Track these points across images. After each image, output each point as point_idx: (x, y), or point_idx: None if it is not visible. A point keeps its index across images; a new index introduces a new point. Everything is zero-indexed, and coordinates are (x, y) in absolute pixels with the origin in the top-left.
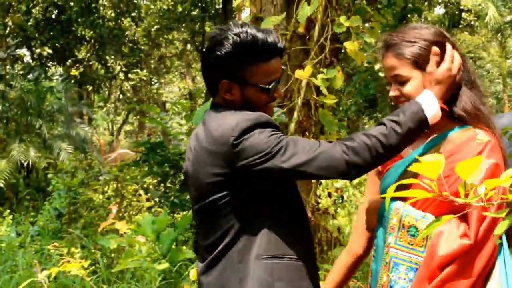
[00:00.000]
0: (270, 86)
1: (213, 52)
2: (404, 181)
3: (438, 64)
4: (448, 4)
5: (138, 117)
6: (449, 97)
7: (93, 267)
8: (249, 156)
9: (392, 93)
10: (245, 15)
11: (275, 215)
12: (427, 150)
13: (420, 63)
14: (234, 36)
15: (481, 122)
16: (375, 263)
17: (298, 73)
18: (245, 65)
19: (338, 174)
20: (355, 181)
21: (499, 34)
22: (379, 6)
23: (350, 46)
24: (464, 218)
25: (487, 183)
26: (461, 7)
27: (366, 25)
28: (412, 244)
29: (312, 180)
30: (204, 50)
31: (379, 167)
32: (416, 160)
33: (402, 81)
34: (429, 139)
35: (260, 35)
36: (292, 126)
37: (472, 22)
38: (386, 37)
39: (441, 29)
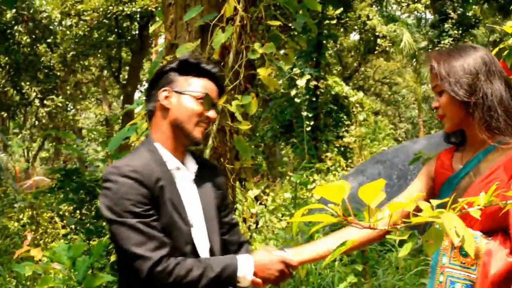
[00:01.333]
0: (200, 94)
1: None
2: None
3: None
4: (363, 30)
5: (54, 143)
6: (485, 116)
7: None
8: None
9: (433, 104)
10: (162, 41)
11: None
12: (474, 166)
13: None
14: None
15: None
16: (431, 282)
17: None
18: (179, 75)
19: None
20: (272, 206)
21: (414, 60)
22: (293, 33)
23: (263, 72)
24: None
25: (389, 207)
26: (377, 33)
27: (281, 51)
28: (464, 263)
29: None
30: None
31: (433, 174)
32: (463, 175)
33: (440, 92)
34: (473, 156)
35: (201, 59)
36: (207, 152)
37: (388, 48)
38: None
39: (481, 53)
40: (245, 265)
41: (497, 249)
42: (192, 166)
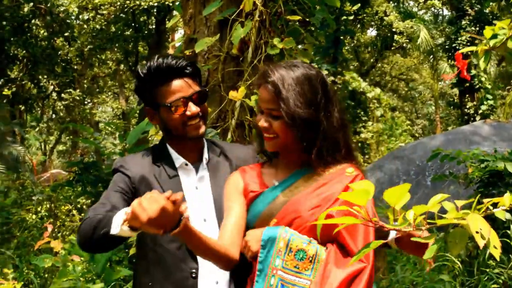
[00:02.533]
0: (170, 104)
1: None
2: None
3: None
4: (381, 26)
5: (71, 137)
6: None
7: None
8: None
9: (262, 123)
10: (178, 35)
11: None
12: (294, 181)
13: None
14: (143, 72)
15: (347, 159)
16: (260, 284)
17: (232, 94)
18: (151, 91)
19: None
20: None
21: (431, 56)
22: (312, 28)
23: None
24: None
25: (415, 209)
26: (394, 30)
27: (299, 46)
28: (298, 268)
29: None
30: None
31: (242, 191)
32: (282, 190)
33: (274, 116)
34: (293, 172)
35: (155, 62)
36: None
37: (405, 45)
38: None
39: (317, 76)
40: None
41: (336, 256)
42: (203, 161)
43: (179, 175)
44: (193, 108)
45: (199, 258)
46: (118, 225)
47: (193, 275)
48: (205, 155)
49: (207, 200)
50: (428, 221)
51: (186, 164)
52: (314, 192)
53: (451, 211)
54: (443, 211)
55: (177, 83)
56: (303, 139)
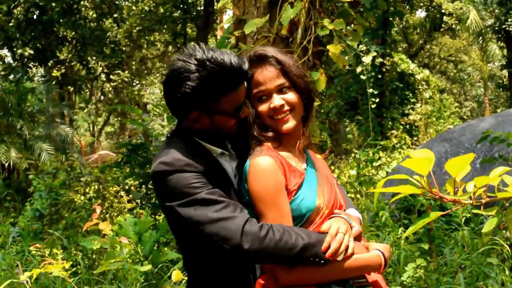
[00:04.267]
0: (239, 113)
1: (180, 87)
2: (395, 176)
3: None
4: (430, 7)
5: (119, 118)
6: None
7: (74, 268)
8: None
9: (276, 103)
10: (227, 17)
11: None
12: (312, 164)
13: None
14: (200, 69)
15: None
16: None
17: None
18: (214, 97)
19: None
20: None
21: (480, 37)
22: (361, 9)
23: (333, 49)
24: None
25: (476, 181)
26: (443, 11)
27: (348, 28)
28: None
29: None
30: (167, 81)
31: (285, 183)
32: (314, 175)
33: (286, 89)
34: (306, 156)
35: (226, 64)
36: None
37: (454, 26)
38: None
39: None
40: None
41: None
42: (232, 152)
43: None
44: (246, 111)
45: None
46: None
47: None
48: (229, 145)
49: None
50: (488, 194)
51: (223, 153)
52: (328, 176)
53: None
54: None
55: (243, 89)
56: (308, 107)
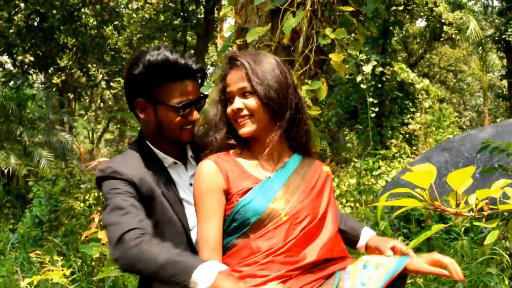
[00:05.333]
0: (179, 106)
1: (129, 71)
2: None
3: None
4: (430, 17)
5: (118, 125)
6: (297, 126)
7: (74, 275)
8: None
9: (235, 105)
10: (227, 25)
11: None
12: (291, 172)
13: None
14: (150, 58)
15: (313, 155)
16: None
17: None
18: (155, 84)
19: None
20: (337, 192)
21: (480, 47)
22: (361, 18)
23: (335, 58)
24: None
25: (478, 194)
26: (443, 21)
27: (349, 36)
28: None
29: None
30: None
31: (225, 187)
32: (283, 182)
33: (245, 93)
34: (282, 164)
35: (173, 56)
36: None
37: (454, 36)
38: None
39: (282, 64)
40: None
41: None
42: (190, 159)
43: (170, 175)
44: (196, 115)
45: None
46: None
47: None
48: (190, 153)
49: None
50: (490, 206)
51: (175, 163)
52: (315, 187)
53: None
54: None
55: (189, 85)
56: (278, 115)
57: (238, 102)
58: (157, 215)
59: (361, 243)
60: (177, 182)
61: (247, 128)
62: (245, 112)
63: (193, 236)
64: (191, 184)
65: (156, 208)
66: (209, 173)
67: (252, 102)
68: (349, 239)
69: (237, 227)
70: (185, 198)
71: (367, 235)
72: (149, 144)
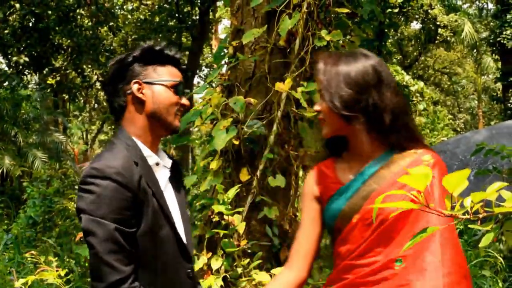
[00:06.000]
0: (172, 85)
1: (122, 59)
2: (392, 192)
3: None
4: (425, 19)
5: (113, 126)
6: (381, 126)
7: (68, 276)
8: None
9: (315, 107)
10: (222, 26)
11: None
12: (372, 173)
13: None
14: (138, 47)
15: (419, 145)
16: None
17: (278, 86)
18: (148, 66)
19: None
20: None
21: (475, 50)
22: (357, 20)
23: None
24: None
25: (473, 196)
26: (438, 23)
27: (345, 38)
28: None
29: (291, 193)
30: None
31: (318, 193)
32: (360, 184)
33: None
34: (367, 164)
35: (157, 44)
36: (272, 138)
37: (448, 38)
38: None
39: (371, 63)
40: None
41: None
42: (167, 161)
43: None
44: (187, 100)
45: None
46: None
47: (190, 275)
48: (166, 155)
49: (173, 203)
50: (486, 209)
51: (157, 164)
52: (395, 185)
53: (509, 199)
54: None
55: (176, 71)
56: (349, 120)
57: (316, 104)
58: (149, 220)
59: None
60: (160, 181)
61: (323, 130)
62: (321, 115)
63: (182, 235)
64: (165, 188)
65: (147, 212)
66: (307, 182)
67: (323, 106)
68: None
69: (328, 232)
70: (168, 198)
71: None
72: (136, 140)
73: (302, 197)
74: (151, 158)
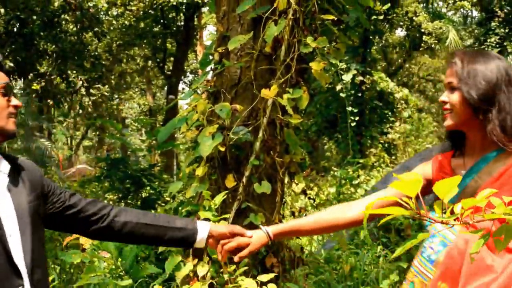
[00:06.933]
0: (7, 93)
1: None
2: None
3: None
4: (410, 27)
5: (97, 132)
6: (499, 124)
7: (54, 283)
8: None
9: (441, 98)
10: (207, 32)
11: None
12: (479, 169)
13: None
14: None
15: None
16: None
17: (264, 92)
18: None
19: None
20: (317, 201)
21: None
22: (342, 27)
23: (315, 66)
24: None
25: (463, 203)
26: (422, 30)
27: (330, 45)
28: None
29: (276, 199)
30: None
31: (430, 177)
32: (471, 179)
33: (453, 88)
34: (477, 161)
35: None
36: (257, 145)
37: (433, 45)
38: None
39: (503, 64)
40: (202, 229)
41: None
42: (5, 167)
43: None
44: (16, 101)
45: (23, 272)
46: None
47: None
48: (4, 161)
49: (11, 211)
50: (476, 215)
51: None
52: (497, 181)
53: (499, 206)
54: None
55: (0, 73)
56: (478, 112)
57: (444, 95)
58: None
59: (201, 235)
60: None
61: (447, 121)
62: (448, 106)
63: (11, 245)
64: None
65: None
66: (422, 165)
67: (454, 97)
68: (185, 236)
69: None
70: (4, 207)
71: (205, 226)
72: None
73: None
74: None
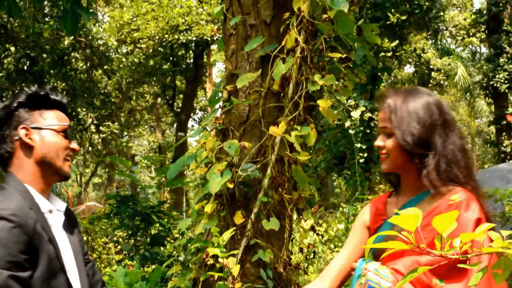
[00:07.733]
0: (60, 129)
1: (7, 106)
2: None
3: None
4: (418, 63)
5: (107, 169)
6: (435, 167)
7: None
8: None
9: (377, 142)
10: (216, 70)
11: None
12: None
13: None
14: (22, 92)
15: (455, 183)
16: None
17: (272, 130)
18: (34, 111)
19: None
20: (325, 237)
21: (468, 93)
22: (350, 64)
23: (323, 104)
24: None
25: (462, 237)
26: (431, 67)
27: (338, 83)
28: None
29: (285, 236)
30: None
31: (368, 223)
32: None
33: (388, 134)
34: (408, 200)
35: (43, 91)
36: (266, 182)
37: (442, 81)
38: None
39: (435, 101)
40: None
41: None
42: (61, 206)
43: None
44: (77, 145)
45: None
46: None
47: None
48: (59, 201)
49: (67, 248)
50: (474, 249)
51: (51, 211)
52: (423, 220)
53: (497, 240)
54: None
55: (63, 115)
56: (414, 156)
57: (379, 140)
58: (43, 265)
59: None
60: (54, 228)
61: (384, 165)
62: (384, 150)
63: (76, 284)
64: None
65: (42, 258)
66: (362, 212)
67: (390, 143)
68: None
69: (373, 258)
70: (63, 245)
71: None
72: (27, 186)
73: (354, 223)
74: (44, 204)
